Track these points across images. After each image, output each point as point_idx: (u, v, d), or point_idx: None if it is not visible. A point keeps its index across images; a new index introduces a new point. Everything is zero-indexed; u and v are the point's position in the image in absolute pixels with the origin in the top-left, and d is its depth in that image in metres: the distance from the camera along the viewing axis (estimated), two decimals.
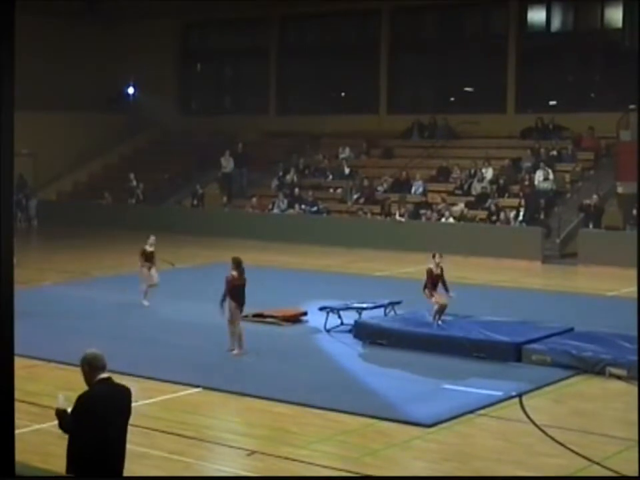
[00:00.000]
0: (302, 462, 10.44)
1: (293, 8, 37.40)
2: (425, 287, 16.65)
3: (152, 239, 20.24)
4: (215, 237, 32.14)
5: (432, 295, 16.56)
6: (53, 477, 4.61)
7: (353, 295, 19.38)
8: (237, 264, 15.77)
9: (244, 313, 18.42)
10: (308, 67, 39.67)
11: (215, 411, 12.79)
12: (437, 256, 16.75)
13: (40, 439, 10.91)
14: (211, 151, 37.18)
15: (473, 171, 31.78)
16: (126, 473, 9.98)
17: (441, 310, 16.54)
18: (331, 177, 34.90)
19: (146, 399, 13.18)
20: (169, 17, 39.74)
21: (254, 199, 34.06)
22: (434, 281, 16.62)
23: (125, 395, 7.38)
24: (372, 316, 17.53)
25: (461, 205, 30.34)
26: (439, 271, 16.72)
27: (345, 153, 35.42)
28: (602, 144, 31.11)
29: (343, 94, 39.19)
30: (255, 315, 18.37)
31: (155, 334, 17.20)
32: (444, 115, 34.70)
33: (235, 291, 15.65)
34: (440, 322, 16.48)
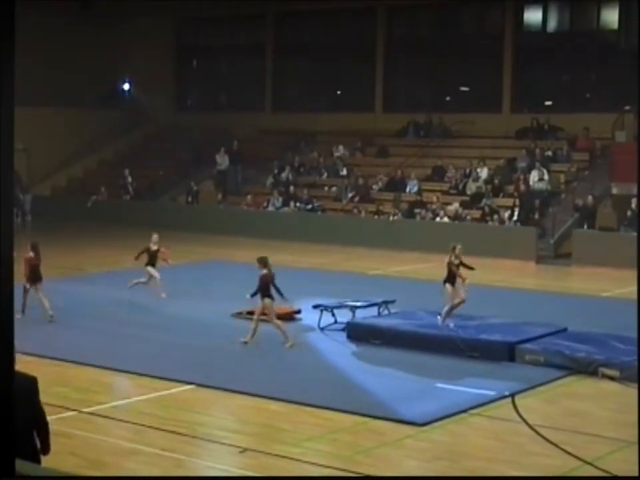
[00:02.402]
0: (294, 460, 10.45)
1: (289, 5, 37.40)
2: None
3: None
4: (209, 234, 32.14)
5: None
6: (53, 477, 4.60)
7: (347, 293, 19.38)
8: (34, 246, 17.83)
9: (238, 310, 18.52)
10: (304, 64, 39.72)
11: (208, 408, 12.78)
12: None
13: None
14: (206, 148, 37.18)
15: (467, 171, 31.80)
16: (118, 469, 10.03)
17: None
18: (325, 175, 34.93)
19: (139, 396, 13.20)
20: (165, 13, 39.71)
21: (249, 197, 34.06)
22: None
23: (24, 385, 7.17)
24: (366, 314, 17.53)
25: (456, 205, 30.37)
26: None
27: (340, 151, 35.43)
28: (597, 145, 31.16)
29: (338, 92, 39.19)
30: (249, 312, 18.37)
31: (148, 330, 17.19)
32: (439, 114, 34.73)
33: (30, 269, 17.55)
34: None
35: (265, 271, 15.94)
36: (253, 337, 16.02)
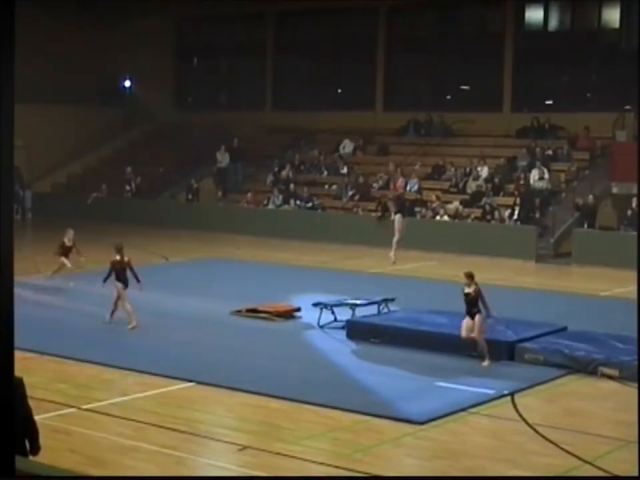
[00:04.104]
0: (294, 458, 10.45)
1: (289, 4, 37.36)
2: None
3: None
4: (209, 231, 32.14)
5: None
6: (53, 477, 4.61)
7: (347, 291, 19.39)
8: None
9: (237, 308, 18.51)
10: (304, 62, 39.69)
11: (208, 405, 12.78)
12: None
13: None
14: (207, 146, 37.17)
15: (468, 169, 31.79)
16: (118, 467, 10.03)
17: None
18: (326, 173, 34.93)
19: (138, 393, 13.20)
20: (165, 12, 39.69)
21: (249, 194, 34.05)
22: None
23: None
24: (365, 313, 17.53)
25: (456, 203, 30.37)
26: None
27: (348, 147, 35.36)
28: (597, 144, 31.15)
29: (339, 90, 39.17)
30: (249, 310, 18.38)
31: (148, 328, 17.19)
32: (440, 113, 34.70)
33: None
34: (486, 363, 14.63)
35: (117, 257, 17.06)
36: (132, 318, 16.92)
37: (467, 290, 14.58)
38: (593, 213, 28.02)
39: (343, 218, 31.96)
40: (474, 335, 14.53)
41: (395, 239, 16.74)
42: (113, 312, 17.22)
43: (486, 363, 14.55)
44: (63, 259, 21.98)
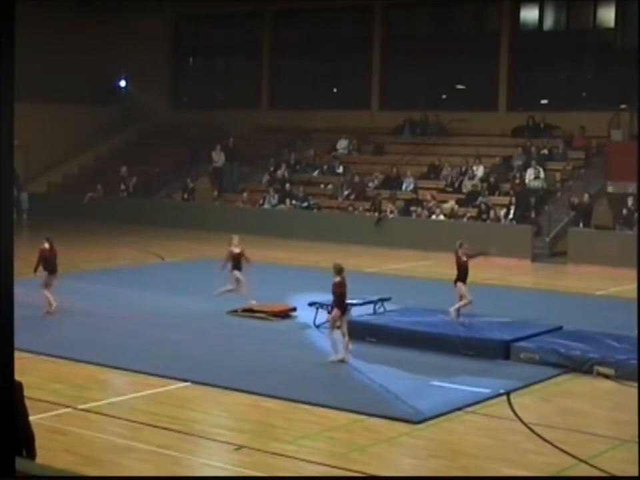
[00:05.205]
0: (289, 457, 10.45)
1: (285, 3, 37.38)
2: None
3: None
4: (205, 231, 32.10)
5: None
6: (54, 477, 4.61)
7: None
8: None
9: (234, 308, 18.48)
10: (300, 62, 39.71)
11: (203, 405, 12.78)
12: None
13: None
14: (202, 145, 37.16)
15: (463, 169, 31.82)
16: (114, 466, 10.03)
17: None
18: (321, 172, 34.93)
19: (134, 393, 13.19)
20: (161, 11, 39.67)
21: (245, 194, 34.05)
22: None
23: None
24: (361, 312, 17.52)
25: (452, 203, 30.38)
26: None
27: (344, 147, 35.37)
28: (593, 143, 31.18)
29: (335, 89, 39.19)
30: (245, 310, 18.37)
31: (144, 327, 17.19)
32: (435, 112, 34.74)
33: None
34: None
35: (46, 246, 18.15)
36: (51, 306, 17.82)
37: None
38: (589, 212, 28.04)
39: (339, 217, 31.98)
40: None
41: (460, 304, 16.72)
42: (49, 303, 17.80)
43: (332, 357, 14.76)
44: (237, 273, 18.73)
